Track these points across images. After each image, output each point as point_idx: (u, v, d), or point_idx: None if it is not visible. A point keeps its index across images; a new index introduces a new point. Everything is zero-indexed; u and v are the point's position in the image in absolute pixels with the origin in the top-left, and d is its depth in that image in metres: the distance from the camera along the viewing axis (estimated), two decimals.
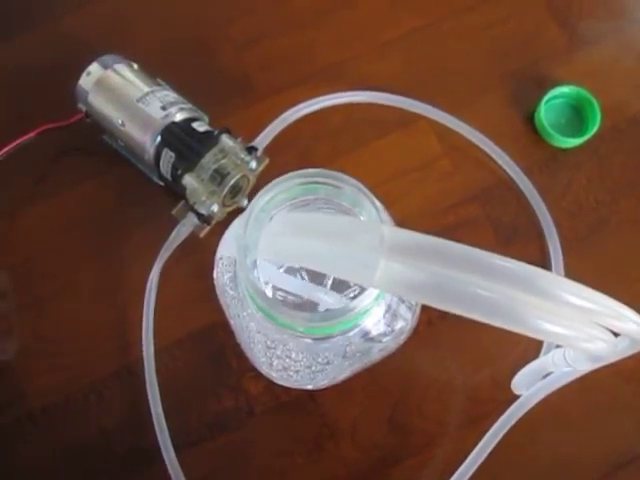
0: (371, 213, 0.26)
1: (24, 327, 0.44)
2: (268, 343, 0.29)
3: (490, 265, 0.22)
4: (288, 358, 0.29)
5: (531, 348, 0.42)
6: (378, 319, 0.28)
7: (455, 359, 0.43)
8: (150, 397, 0.41)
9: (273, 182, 0.27)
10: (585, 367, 0.26)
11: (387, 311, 0.28)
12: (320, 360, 0.29)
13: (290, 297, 0.34)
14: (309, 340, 0.26)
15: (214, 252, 0.45)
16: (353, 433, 0.42)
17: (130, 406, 0.42)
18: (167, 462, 0.40)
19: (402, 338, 0.31)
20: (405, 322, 0.30)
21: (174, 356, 0.43)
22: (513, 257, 0.46)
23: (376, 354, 0.31)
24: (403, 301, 0.29)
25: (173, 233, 0.43)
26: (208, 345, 0.43)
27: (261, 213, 0.26)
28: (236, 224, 0.32)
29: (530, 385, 0.34)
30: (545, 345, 0.41)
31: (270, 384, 0.42)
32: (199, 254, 0.45)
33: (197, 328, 0.44)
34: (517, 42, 0.51)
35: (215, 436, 0.42)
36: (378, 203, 0.26)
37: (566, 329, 0.21)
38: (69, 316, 0.44)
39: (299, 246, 0.24)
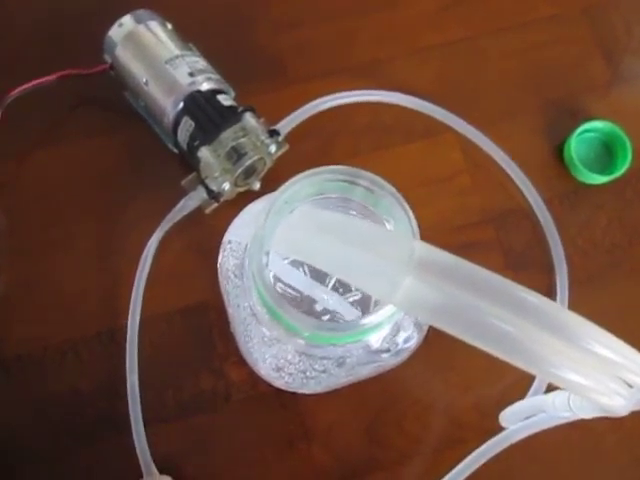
0: (403, 224, 0.25)
1: (13, 272, 0.43)
2: (265, 340, 0.28)
3: (522, 301, 0.20)
4: (283, 359, 0.28)
5: (520, 380, 0.41)
6: (384, 335, 0.27)
7: (442, 380, 0.42)
8: (128, 365, 0.40)
9: (303, 174, 0.26)
10: (589, 416, 0.24)
11: (394, 328, 0.27)
12: (317, 367, 0.28)
13: (290, 290, 0.33)
14: (310, 345, 0.25)
15: (217, 230, 0.44)
16: (328, 437, 0.41)
17: (107, 372, 0.41)
18: (134, 434, 0.39)
19: (404, 356, 0.30)
20: (411, 341, 0.29)
21: (160, 329, 0.42)
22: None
23: (374, 368, 0.30)
24: (412, 319, 0.28)
25: (179, 204, 0.42)
26: (196, 323, 0.42)
27: (284, 205, 0.25)
28: (250, 210, 0.30)
29: (518, 420, 0.33)
30: (537, 381, 0.40)
31: (252, 373, 0.41)
32: (201, 229, 0.44)
33: (188, 304, 0.43)
34: (558, 69, 0.49)
35: (187, 416, 0.41)
36: (413, 215, 0.25)
37: (587, 380, 0.20)
38: (61, 269, 0.43)
39: (320, 245, 0.22)
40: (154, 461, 0.38)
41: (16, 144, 0.45)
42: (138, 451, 0.38)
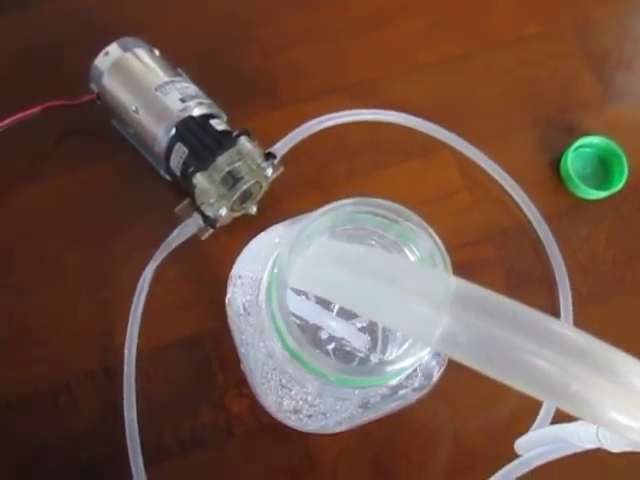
0: (429, 256, 0.24)
1: (1, 312, 0.41)
2: (283, 382, 0.26)
3: (568, 341, 0.19)
4: (302, 401, 0.26)
5: (527, 404, 0.40)
6: (410, 374, 0.25)
7: (448, 406, 0.41)
8: (125, 402, 0.38)
9: (325, 208, 0.24)
10: (619, 449, 0.23)
11: (419, 365, 0.26)
12: (338, 408, 0.26)
13: (294, 319, 0.31)
14: (333, 387, 0.24)
15: (213, 257, 0.43)
16: (335, 469, 0.39)
17: (102, 411, 0.39)
18: (134, 473, 0.37)
19: (426, 390, 0.29)
20: (434, 374, 0.28)
21: (156, 363, 0.40)
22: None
23: (397, 405, 0.28)
24: (434, 357, 0.27)
25: (174, 232, 0.41)
26: (194, 355, 0.41)
27: (305, 239, 0.23)
28: (259, 241, 0.29)
29: (535, 447, 0.32)
30: (545, 405, 0.40)
31: (254, 405, 0.40)
32: (197, 257, 0.43)
33: (185, 336, 0.41)
34: (552, 86, 0.49)
35: (188, 453, 0.39)
36: (444, 248, 0.24)
37: (634, 421, 0.19)
38: (51, 306, 0.41)
39: (347, 283, 0.21)
40: None
41: (2, 178, 0.43)
42: None
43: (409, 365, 0.22)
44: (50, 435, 0.39)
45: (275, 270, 0.23)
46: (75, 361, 0.40)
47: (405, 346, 0.22)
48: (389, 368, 0.21)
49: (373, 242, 0.27)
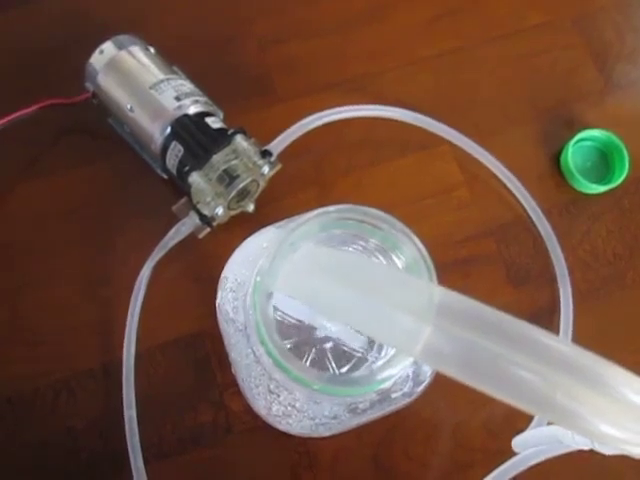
0: (415, 261, 0.23)
1: (1, 311, 0.41)
2: (271, 387, 0.26)
3: (554, 352, 0.19)
4: (291, 407, 0.26)
5: None
6: (400, 379, 0.25)
7: (448, 402, 0.41)
8: (125, 400, 0.38)
9: (309, 215, 0.24)
10: (611, 452, 0.23)
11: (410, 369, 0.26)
12: (327, 413, 0.26)
13: (288, 318, 0.31)
14: (320, 394, 0.23)
15: (211, 255, 0.43)
16: (334, 466, 0.39)
17: (102, 409, 0.39)
18: (134, 471, 0.37)
19: (416, 394, 0.29)
20: (425, 380, 0.27)
21: (155, 361, 0.41)
22: (523, 300, 0.44)
23: (386, 410, 0.28)
24: None
25: (171, 231, 0.41)
26: (193, 353, 0.41)
27: (289, 246, 0.23)
28: (249, 243, 0.29)
29: (531, 446, 0.31)
30: None
31: None
32: (195, 255, 0.43)
33: (183, 334, 0.41)
34: (552, 78, 0.49)
35: (187, 451, 0.39)
36: (428, 255, 0.24)
37: (621, 432, 0.19)
38: (50, 305, 0.41)
39: (329, 292, 0.21)
40: None
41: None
42: None
43: (395, 373, 0.21)
44: (50, 433, 0.39)
45: (258, 278, 0.23)
46: (75, 360, 0.40)
47: None
48: (376, 377, 0.21)
49: (361, 246, 0.27)
